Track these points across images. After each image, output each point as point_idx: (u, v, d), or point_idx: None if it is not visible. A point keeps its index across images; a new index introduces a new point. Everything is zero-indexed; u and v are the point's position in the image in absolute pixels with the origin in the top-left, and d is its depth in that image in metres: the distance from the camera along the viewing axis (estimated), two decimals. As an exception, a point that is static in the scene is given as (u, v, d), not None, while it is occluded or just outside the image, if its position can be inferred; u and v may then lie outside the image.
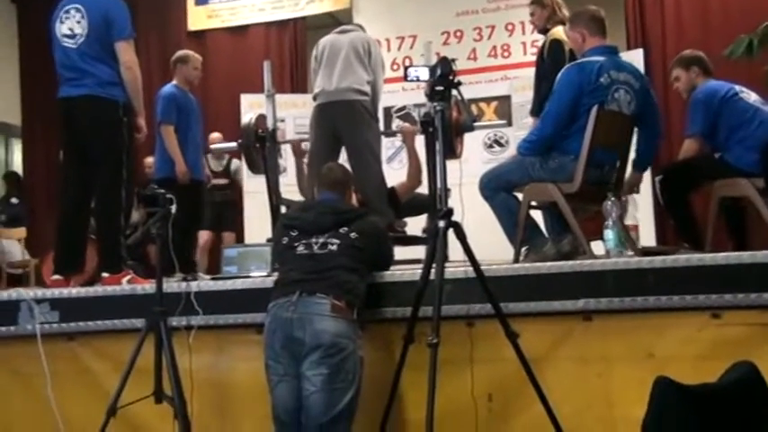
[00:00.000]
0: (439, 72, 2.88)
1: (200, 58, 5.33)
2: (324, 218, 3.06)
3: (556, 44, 4.21)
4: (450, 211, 2.83)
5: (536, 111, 4.27)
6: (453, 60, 2.91)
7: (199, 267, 5.40)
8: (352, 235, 3.01)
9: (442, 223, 2.79)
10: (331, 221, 3.04)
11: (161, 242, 3.12)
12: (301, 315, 2.81)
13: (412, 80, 3.03)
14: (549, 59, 4.23)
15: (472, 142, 6.24)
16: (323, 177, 3.32)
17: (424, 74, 2.99)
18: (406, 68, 3.05)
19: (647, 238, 5.40)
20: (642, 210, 4.88)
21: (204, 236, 6.38)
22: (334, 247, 2.97)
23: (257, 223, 5.91)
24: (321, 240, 2.99)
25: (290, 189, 5.04)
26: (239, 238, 6.67)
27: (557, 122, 3.52)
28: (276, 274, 3.20)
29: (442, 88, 2.88)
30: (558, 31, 4.24)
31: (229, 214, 6.70)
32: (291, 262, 3.01)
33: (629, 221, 3.61)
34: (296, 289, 2.86)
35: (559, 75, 3.59)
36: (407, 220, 4.84)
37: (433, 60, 3.81)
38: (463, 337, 3.05)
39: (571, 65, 3.62)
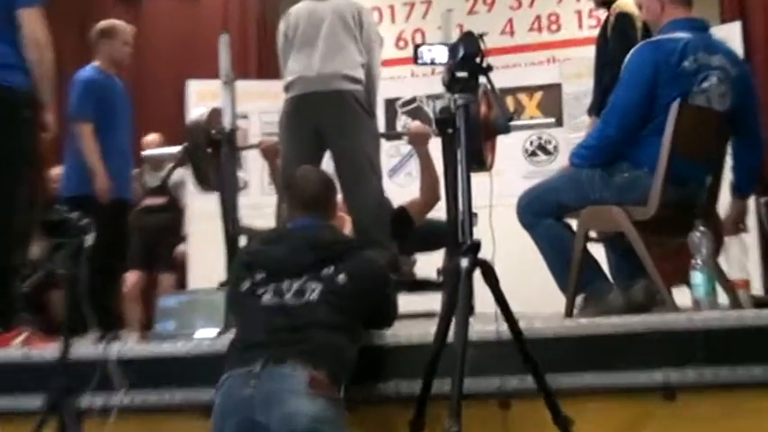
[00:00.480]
0: (461, 52, 2.88)
1: (130, 30, 5.36)
2: (299, 253, 3.04)
3: (624, 19, 4.26)
4: (477, 246, 2.81)
5: (596, 108, 4.29)
6: (482, 36, 2.91)
7: (124, 323, 5.38)
8: (340, 278, 3.00)
9: (464, 262, 2.77)
10: (310, 258, 3.03)
11: (70, 287, 3.09)
12: (266, 393, 2.78)
13: (424, 63, 3.06)
14: (615, 39, 4.26)
15: (508, 149, 6.27)
16: (294, 192, 3.29)
17: (442, 55, 3.02)
18: (416, 47, 3.07)
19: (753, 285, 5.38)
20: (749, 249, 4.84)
21: (132, 277, 6.41)
22: (313, 296, 2.97)
23: (206, 261, 5.87)
24: (296, 286, 2.98)
25: (252, 213, 5.03)
26: (180, 282, 6.65)
27: (624, 122, 3.54)
28: (231, 333, 3.17)
29: (465, 75, 2.88)
30: (626, 1, 4.28)
31: (167, 247, 6.74)
32: (254, 317, 2.99)
33: (735, 274, 3.57)
34: (259, 356, 2.83)
35: (628, 57, 3.61)
36: (417, 256, 4.82)
37: (455, 36, 3.81)
38: (495, 422, 3.04)
39: (644, 43, 3.65)
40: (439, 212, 4.59)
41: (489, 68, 2.90)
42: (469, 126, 2.92)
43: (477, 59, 2.87)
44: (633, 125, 3.53)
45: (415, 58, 3.07)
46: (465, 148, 2.91)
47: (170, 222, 6.79)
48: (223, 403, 2.85)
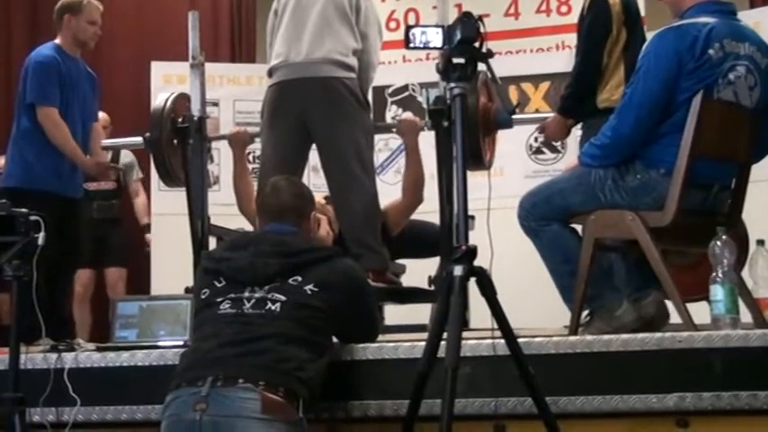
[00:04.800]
0: (459, 36, 2.90)
1: (99, 7, 5.34)
2: (264, 261, 3.08)
3: (599, 3, 4.30)
4: (473, 252, 2.84)
5: (567, 105, 4.39)
6: (481, 18, 2.92)
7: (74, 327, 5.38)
8: (308, 288, 3.04)
9: (458, 269, 2.80)
10: (276, 266, 3.07)
11: (19, 290, 3.11)
12: (215, 418, 2.80)
13: (417, 47, 3.04)
14: (584, 27, 4.34)
15: (510, 145, 6.30)
16: (265, 199, 3.35)
17: (436, 38, 3.00)
18: (408, 29, 3.06)
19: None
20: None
21: (82, 277, 6.38)
22: (275, 306, 3.00)
23: (171, 263, 5.92)
24: (258, 295, 3.03)
25: (224, 211, 5.05)
26: (141, 285, 6.66)
27: (641, 118, 3.53)
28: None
29: (462, 61, 2.89)
30: None
31: (115, 239, 6.78)
32: (209, 327, 3.03)
33: (761, 291, 3.55)
34: (208, 373, 2.86)
35: (646, 45, 3.62)
36: (406, 262, 4.86)
37: (451, 17, 3.83)
38: (488, 447, 3.04)
39: (665, 29, 3.63)
40: (432, 214, 4.59)
41: (490, 54, 2.91)
42: (466, 119, 2.95)
43: (477, 44, 2.88)
44: (651, 121, 3.51)
45: (406, 41, 3.03)
46: (461, 143, 2.93)
47: (119, 212, 6.82)
48: (169, 427, 2.88)
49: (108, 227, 6.73)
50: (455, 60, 2.90)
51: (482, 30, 2.90)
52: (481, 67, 2.94)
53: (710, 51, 3.49)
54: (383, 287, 4.44)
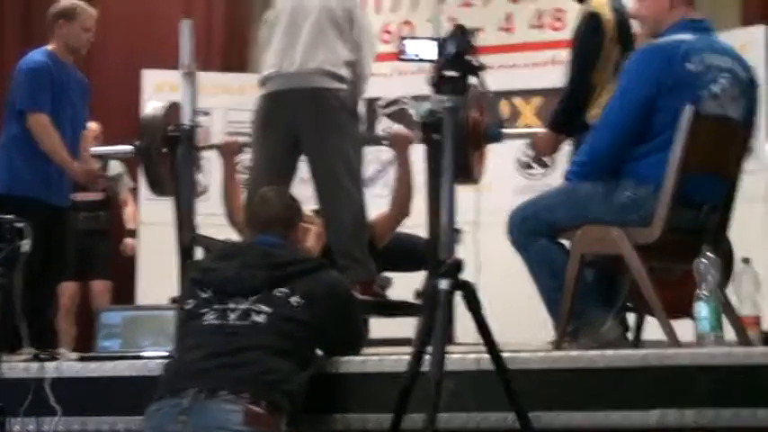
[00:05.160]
0: (452, 49, 2.91)
1: (93, 14, 5.33)
2: (251, 272, 3.09)
3: (591, 20, 4.31)
4: (458, 265, 2.84)
5: (558, 120, 4.42)
6: (475, 32, 2.94)
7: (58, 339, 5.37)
8: (294, 300, 3.05)
9: (443, 283, 2.80)
10: (262, 278, 3.08)
11: (2, 298, 3.12)
12: (197, 429, 2.81)
13: (409, 59, 3.06)
14: (575, 42, 4.37)
15: (498, 159, 6.29)
16: (253, 210, 3.38)
17: (429, 51, 3.01)
18: (401, 40, 3.08)
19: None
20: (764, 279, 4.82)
21: (67, 289, 6.40)
22: (260, 318, 3.01)
23: (157, 273, 5.89)
24: (243, 306, 3.03)
25: (212, 221, 5.04)
26: (126, 297, 6.65)
27: (616, 136, 3.57)
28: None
29: (455, 74, 2.90)
30: (601, 1, 4.33)
31: (101, 251, 6.76)
32: (193, 338, 3.04)
33: (746, 310, 3.55)
34: (191, 385, 2.87)
35: (626, 64, 3.66)
36: (393, 275, 4.86)
37: (445, 30, 3.84)
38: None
39: (643, 48, 3.68)
40: (420, 228, 4.58)
41: (482, 68, 2.92)
42: (457, 132, 2.93)
43: (469, 57, 2.89)
44: (627, 140, 3.55)
45: (399, 52, 3.06)
46: (450, 156, 2.94)
47: (106, 223, 6.82)
48: None
49: (94, 238, 6.70)
50: (448, 74, 2.90)
51: (475, 43, 2.91)
52: (473, 80, 2.94)
53: (690, 66, 3.51)
54: (369, 300, 4.45)
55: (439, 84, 2.92)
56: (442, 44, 2.96)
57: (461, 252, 5.14)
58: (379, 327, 4.95)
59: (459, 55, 2.89)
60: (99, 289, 6.75)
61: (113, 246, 6.98)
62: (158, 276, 5.56)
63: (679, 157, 3.45)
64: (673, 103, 3.48)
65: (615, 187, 3.57)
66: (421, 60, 3.06)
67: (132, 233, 6.97)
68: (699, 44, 3.56)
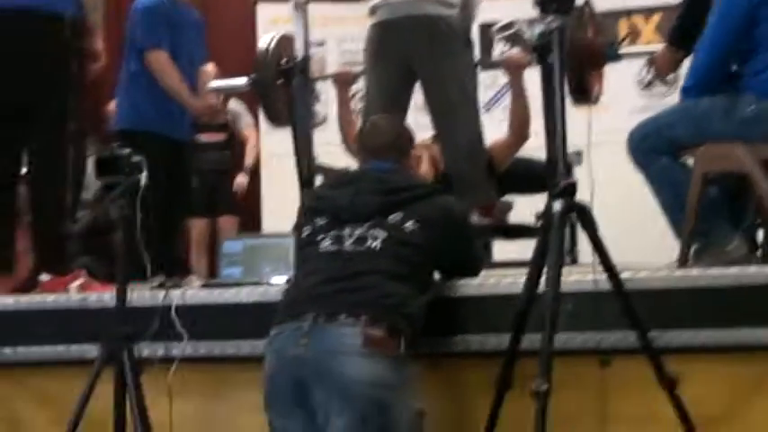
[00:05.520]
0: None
1: None
2: (365, 198, 3.09)
3: None
4: (572, 187, 2.83)
5: (676, 36, 4.29)
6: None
7: (190, 272, 5.50)
8: (408, 225, 3.04)
9: (557, 205, 2.79)
10: (376, 204, 3.07)
11: (125, 230, 3.19)
12: (317, 354, 2.84)
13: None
14: None
15: (618, 78, 6.18)
16: (364, 138, 3.37)
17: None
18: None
19: None
20: None
21: (197, 226, 6.60)
22: (376, 243, 3.01)
23: (282, 203, 5.93)
24: (358, 232, 3.03)
25: (332, 150, 5.08)
26: (251, 222, 6.77)
27: (716, 57, 3.60)
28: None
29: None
30: None
31: (227, 188, 6.91)
32: (310, 265, 3.06)
33: None
34: (310, 309, 2.89)
35: None
36: (514, 199, 4.85)
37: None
38: (592, 382, 3.07)
39: None
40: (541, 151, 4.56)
41: (587, -14, 2.89)
42: (570, 52, 2.87)
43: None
44: (728, 59, 3.58)
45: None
46: (560, 75, 2.91)
47: (230, 162, 6.93)
48: (273, 362, 2.93)
49: (220, 177, 6.86)
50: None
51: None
52: (581, -1, 2.91)
53: None
54: (490, 223, 4.45)
55: (544, 3, 2.89)
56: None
57: (583, 173, 5.16)
58: (502, 250, 4.97)
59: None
60: (228, 225, 6.89)
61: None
62: (282, 207, 5.60)
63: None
64: None
65: (737, 102, 3.52)
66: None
67: (251, 171, 7.06)
68: None
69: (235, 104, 6.90)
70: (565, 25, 2.88)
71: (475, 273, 3.29)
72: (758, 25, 3.46)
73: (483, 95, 6.39)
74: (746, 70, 3.54)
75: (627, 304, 2.84)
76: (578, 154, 4.95)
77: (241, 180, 7.07)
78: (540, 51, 4.23)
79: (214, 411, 3.46)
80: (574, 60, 4.13)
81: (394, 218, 3.05)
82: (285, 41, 4.76)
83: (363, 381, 2.81)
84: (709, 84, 3.58)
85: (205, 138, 6.50)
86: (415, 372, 2.93)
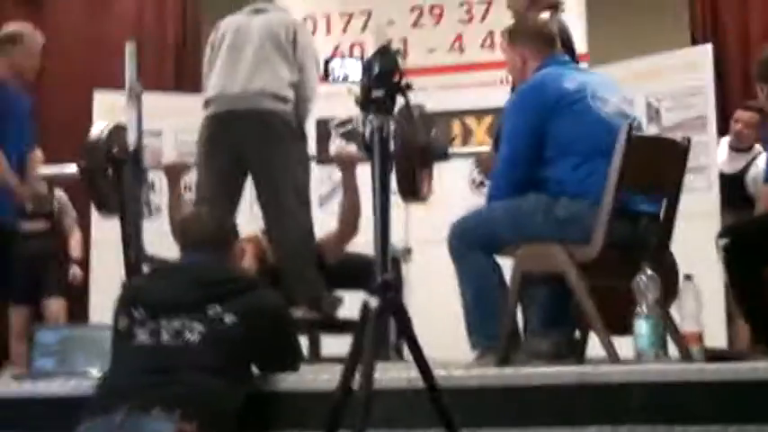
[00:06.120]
0: (377, 69, 2.89)
1: (40, 41, 5.29)
2: (183, 290, 3.06)
3: None
4: (388, 284, 2.83)
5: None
6: (398, 51, 2.94)
7: (9, 360, 5.33)
8: (228, 318, 3.01)
9: (373, 301, 2.79)
10: (194, 296, 3.04)
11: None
12: None
13: (336, 80, 3.04)
14: None
15: (453, 178, 6.29)
16: (186, 229, 3.35)
17: (355, 71, 3.00)
18: (326, 62, 3.07)
19: (716, 338, 5.39)
20: (709, 295, 4.81)
21: (20, 314, 6.43)
22: (193, 337, 2.98)
23: (111, 291, 5.78)
24: (175, 325, 3.00)
25: (165, 240, 5.00)
26: (77, 313, 6.61)
27: (512, 172, 3.75)
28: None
29: (381, 94, 2.89)
30: None
31: (53, 272, 6.76)
32: (125, 357, 3.02)
33: (688, 326, 3.54)
34: (122, 403, 2.83)
35: (506, 106, 3.85)
36: (345, 294, 4.83)
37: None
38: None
39: (519, 90, 3.84)
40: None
41: (408, 87, 2.91)
42: (400, 150, 2.93)
43: (395, 77, 2.88)
44: (524, 172, 3.71)
45: (325, 74, 3.06)
46: (381, 172, 2.93)
47: (54, 249, 6.79)
48: None
49: (44, 263, 6.69)
50: (374, 93, 2.89)
51: (400, 62, 2.90)
52: (400, 100, 2.93)
53: (567, 84, 3.67)
54: (318, 318, 4.44)
55: (365, 103, 2.91)
56: (366, 65, 2.93)
57: (413, 270, 5.22)
58: (331, 344, 4.94)
59: (383, 74, 2.88)
60: (55, 309, 6.69)
61: (64, 270, 6.92)
62: (111, 295, 5.49)
63: (616, 176, 3.47)
64: (566, 114, 3.62)
65: (554, 203, 3.60)
66: (347, 81, 3.04)
67: (79, 263, 6.94)
68: (567, 70, 3.77)
69: (61, 196, 6.78)
70: (384, 125, 2.90)
71: (294, 368, 3.27)
72: (547, 137, 3.65)
73: (318, 190, 6.45)
74: (564, 172, 3.63)
75: (439, 402, 2.82)
76: (408, 251, 5.03)
77: (76, 272, 6.92)
78: (369, 148, 4.36)
79: None
80: (403, 158, 4.22)
81: (214, 311, 3.02)
82: (118, 130, 4.71)
83: None
84: (508, 192, 3.70)
85: (27, 226, 6.34)
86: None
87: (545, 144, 3.65)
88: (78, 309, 6.76)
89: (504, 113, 3.90)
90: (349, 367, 2.79)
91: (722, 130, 6.19)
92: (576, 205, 3.57)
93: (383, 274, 2.85)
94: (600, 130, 3.61)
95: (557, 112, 3.63)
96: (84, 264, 6.96)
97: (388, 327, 3.25)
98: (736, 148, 6.16)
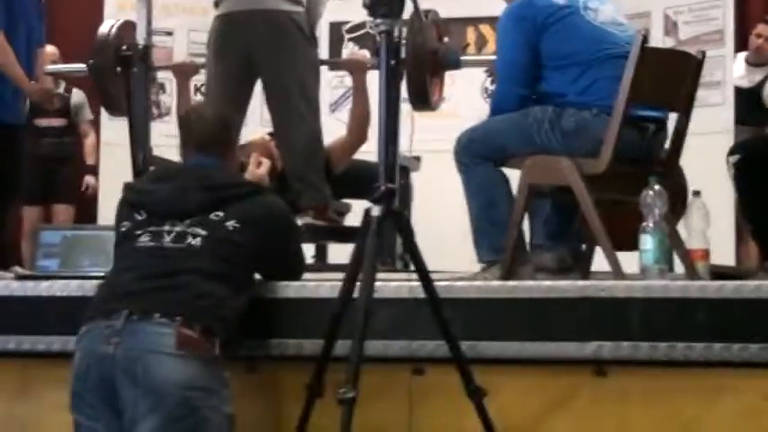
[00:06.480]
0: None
1: None
2: (186, 194, 3.02)
3: None
4: (390, 192, 2.81)
5: None
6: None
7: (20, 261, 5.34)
8: (230, 224, 2.98)
9: (375, 210, 2.78)
10: (197, 201, 3.01)
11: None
12: (128, 352, 2.77)
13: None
14: None
15: (468, 86, 6.24)
16: (188, 129, 3.26)
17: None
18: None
19: (725, 255, 5.38)
20: (719, 213, 4.78)
21: (29, 213, 6.41)
22: (196, 241, 2.95)
23: (117, 194, 5.81)
24: (177, 229, 2.96)
25: (175, 142, 4.99)
26: (86, 216, 6.61)
27: (512, 87, 3.71)
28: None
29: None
30: None
31: (64, 176, 6.75)
32: (127, 260, 2.99)
33: (695, 244, 3.53)
34: (123, 306, 2.82)
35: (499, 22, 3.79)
36: (352, 201, 4.83)
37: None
38: (401, 391, 3.05)
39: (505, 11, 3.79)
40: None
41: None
42: (410, 57, 2.88)
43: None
44: (525, 84, 3.67)
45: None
46: (387, 79, 2.92)
47: (69, 149, 6.77)
48: (82, 360, 2.85)
49: (57, 164, 6.71)
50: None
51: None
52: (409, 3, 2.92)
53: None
54: (324, 225, 4.43)
55: (373, 6, 2.85)
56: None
57: (421, 179, 5.18)
58: (337, 252, 4.94)
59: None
60: (62, 214, 6.73)
61: (77, 172, 6.93)
62: (119, 196, 5.52)
63: (629, 87, 3.42)
64: (558, 34, 3.58)
65: (561, 114, 3.56)
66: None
67: (93, 169, 6.92)
68: None
69: (77, 95, 6.74)
70: (391, 29, 2.87)
71: (296, 275, 3.25)
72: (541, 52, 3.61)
73: (330, 96, 6.41)
74: (564, 85, 3.59)
75: (438, 313, 2.82)
76: (417, 159, 4.98)
77: (90, 181, 6.93)
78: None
79: (20, 410, 3.34)
80: (413, 65, 4.17)
81: (216, 216, 2.99)
82: (127, 28, 4.69)
83: (174, 382, 2.76)
84: (511, 109, 3.66)
85: (43, 122, 6.32)
86: (228, 375, 2.88)
87: (541, 60, 3.61)
88: (87, 216, 6.77)
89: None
90: (350, 276, 2.79)
91: (739, 45, 6.10)
92: (582, 115, 3.53)
93: (386, 183, 2.84)
94: (596, 40, 3.58)
95: (547, 28, 3.58)
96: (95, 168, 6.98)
97: (395, 236, 3.26)
98: (754, 63, 6.08)
